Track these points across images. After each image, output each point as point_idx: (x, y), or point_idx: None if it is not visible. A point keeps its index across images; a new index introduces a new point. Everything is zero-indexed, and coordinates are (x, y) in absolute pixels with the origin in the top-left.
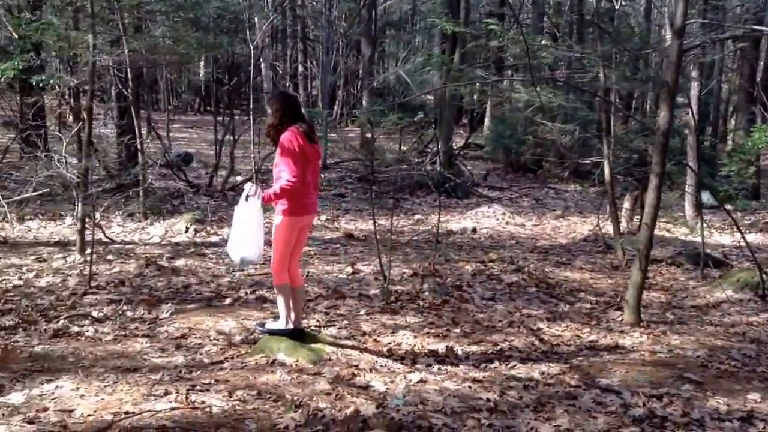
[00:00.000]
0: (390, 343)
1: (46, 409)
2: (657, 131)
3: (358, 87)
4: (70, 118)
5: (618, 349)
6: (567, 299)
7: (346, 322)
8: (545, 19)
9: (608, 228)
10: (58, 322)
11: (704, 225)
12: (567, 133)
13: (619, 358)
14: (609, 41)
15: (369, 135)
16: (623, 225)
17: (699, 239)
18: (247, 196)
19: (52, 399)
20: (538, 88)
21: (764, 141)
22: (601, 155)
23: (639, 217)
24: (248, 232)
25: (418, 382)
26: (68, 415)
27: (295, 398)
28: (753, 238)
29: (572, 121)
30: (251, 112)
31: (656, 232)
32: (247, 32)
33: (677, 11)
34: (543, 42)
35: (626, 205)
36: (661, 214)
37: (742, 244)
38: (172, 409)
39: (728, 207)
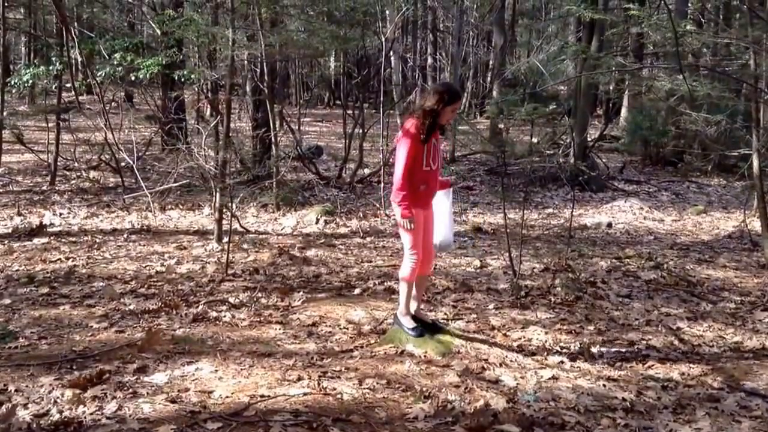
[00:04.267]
0: (520, 339)
1: (186, 390)
2: None
3: (489, 78)
4: (208, 112)
5: (765, 352)
6: (709, 298)
7: (474, 315)
8: (690, 4)
9: (755, 224)
10: (197, 307)
11: None
12: (712, 123)
13: (766, 361)
14: (760, 26)
15: (500, 126)
16: None
17: None
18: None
19: (193, 380)
20: (683, 76)
21: None
22: (749, 147)
23: None
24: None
25: (549, 379)
26: (207, 396)
27: (424, 389)
28: None
29: (718, 111)
30: (381, 105)
31: None
32: (379, 25)
33: None
34: (688, 27)
35: None
36: None
37: None
38: (305, 394)
39: None
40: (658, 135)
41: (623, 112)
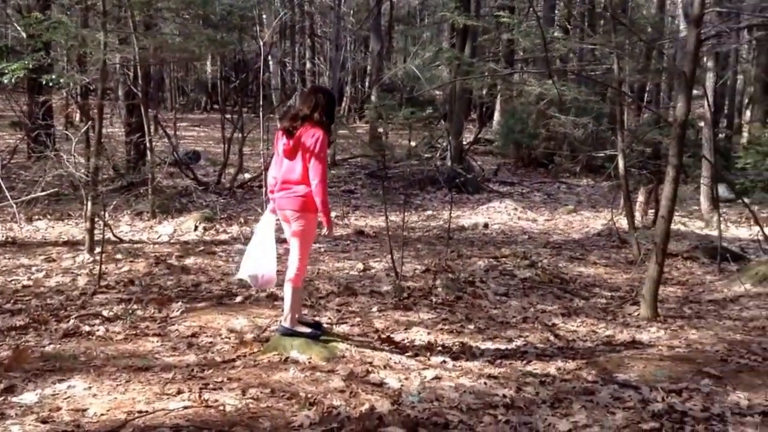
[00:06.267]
0: (403, 340)
1: (59, 409)
2: (674, 122)
3: (367, 83)
4: (78, 118)
5: (635, 344)
6: (582, 294)
7: (358, 319)
8: (556, 11)
9: (622, 222)
10: (68, 321)
11: (720, 218)
12: (579, 126)
13: (637, 353)
14: (623, 32)
15: (380, 130)
16: (638, 219)
17: (715, 233)
18: None
19: (65, 398)
20: (552, 81)
21: None
22: (615, 148)
23: (653, 210)
24: None
25: (433, 379)
26: (81, 414)
27: (309, 396)
28: None
29: (585, 114)
30: (260, 109)
31: (672, 226)
32: (257, 29)
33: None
34: (555, 34)
35: (640, 198)
36: (676, 207)
37: (760, 237)
38: (185, 407)
39: (745, 200)
40: (529, 138)
41: (496, 116)
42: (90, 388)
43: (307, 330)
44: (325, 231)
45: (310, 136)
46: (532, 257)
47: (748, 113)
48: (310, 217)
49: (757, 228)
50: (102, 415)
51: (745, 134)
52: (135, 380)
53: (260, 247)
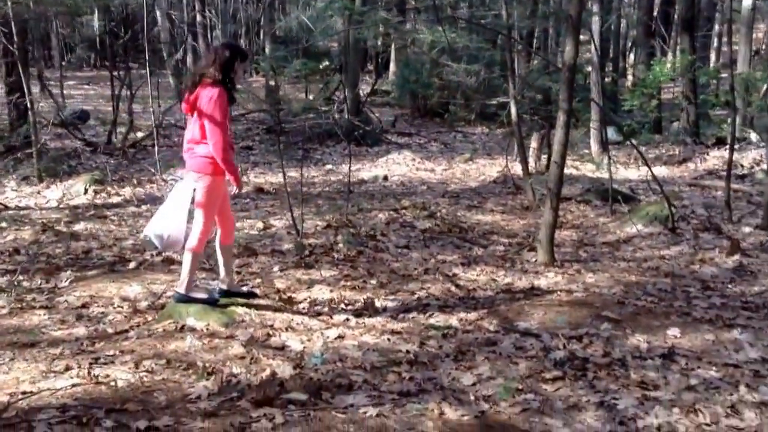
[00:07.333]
0: (306, 299)
1: None
2: (563, 67)
3: (260, 35)
4: None
5: (534, 291)
6: (480, 243)
7: (259, 280)
8: None
9: (517, 169)
10: None
11: (610, 161)
12: (472, 74)
13: (536, 300)
14: None
15: (271, 83)
16: (531, 165)
17: (606, 175)
18: None
19: None
20: (442, 28)
21: (664, 74)
22: (507, 96)
23: (546, 156)
24: None
25: (336, 338)
26: None
27: (207, 365)
28: (657, 171)
29: (476, 61)
30: (148, 65)
31: (564, 170)
32: None
33: None
34: None
35: (533, 144)
36: (568, 152)
37: (649, 178)
38: (74, 385)
39: (633, 141)
40: (423, 87)
41: (392, 66)
42: None
43: (204, 295)
44: (234, 190)
45: (206, 94)
46: (431, 208)
47: (632, 56)
48: (211, 179)
49: (646, 168)
50: None
51: (630, 77)
52: (20, 358)
53: (172, 208)
